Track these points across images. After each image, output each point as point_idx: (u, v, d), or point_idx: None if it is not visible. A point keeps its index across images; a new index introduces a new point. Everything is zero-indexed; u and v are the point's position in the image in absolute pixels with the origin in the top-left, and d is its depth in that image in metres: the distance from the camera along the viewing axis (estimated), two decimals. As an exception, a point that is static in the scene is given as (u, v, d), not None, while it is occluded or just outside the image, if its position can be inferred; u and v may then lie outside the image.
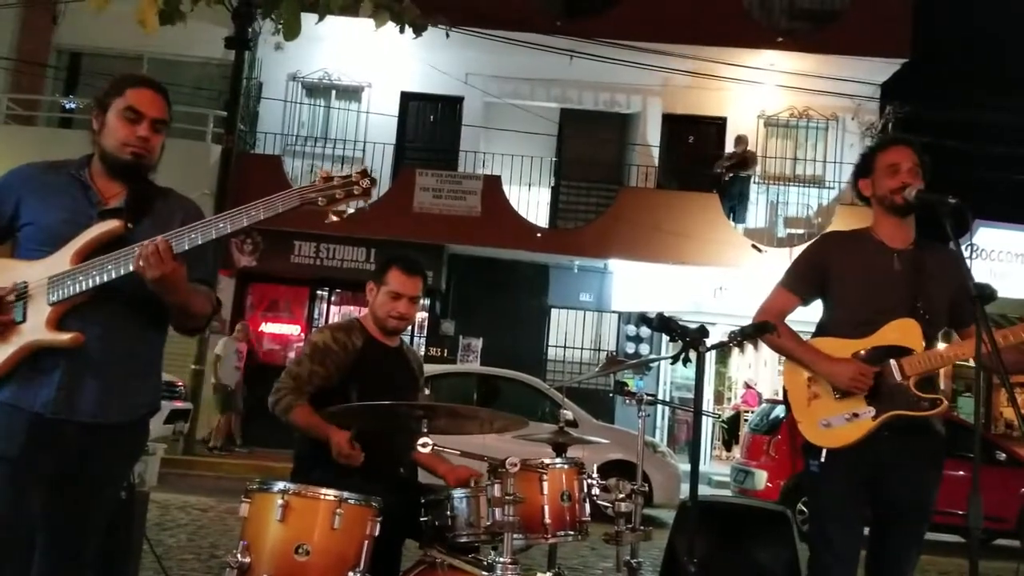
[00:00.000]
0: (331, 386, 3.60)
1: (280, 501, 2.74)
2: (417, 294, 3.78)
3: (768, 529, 4.80)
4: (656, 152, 17.12)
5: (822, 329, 3.47)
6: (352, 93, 17.31)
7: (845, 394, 3.26)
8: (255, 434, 13.98)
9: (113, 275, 2.62)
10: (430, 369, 9.99)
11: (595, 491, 3.50)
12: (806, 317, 3.54)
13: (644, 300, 15.56)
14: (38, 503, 2.65)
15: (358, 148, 16.31)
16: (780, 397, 12.79)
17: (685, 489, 5.54)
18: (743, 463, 11.79)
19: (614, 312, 16.93)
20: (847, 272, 3.40)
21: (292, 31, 9.18)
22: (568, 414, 5.62)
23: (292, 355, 15.31)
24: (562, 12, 16.15)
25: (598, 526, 3.54)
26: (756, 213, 16.50)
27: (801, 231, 16.15)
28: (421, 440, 2.90)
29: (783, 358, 3.54)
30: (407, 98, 17.35)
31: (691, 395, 13.18)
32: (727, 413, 19.44)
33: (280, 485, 2.81)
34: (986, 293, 2.85)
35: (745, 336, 3.18)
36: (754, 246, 15.22)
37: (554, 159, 17.15)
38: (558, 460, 3.42)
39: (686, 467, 10.64)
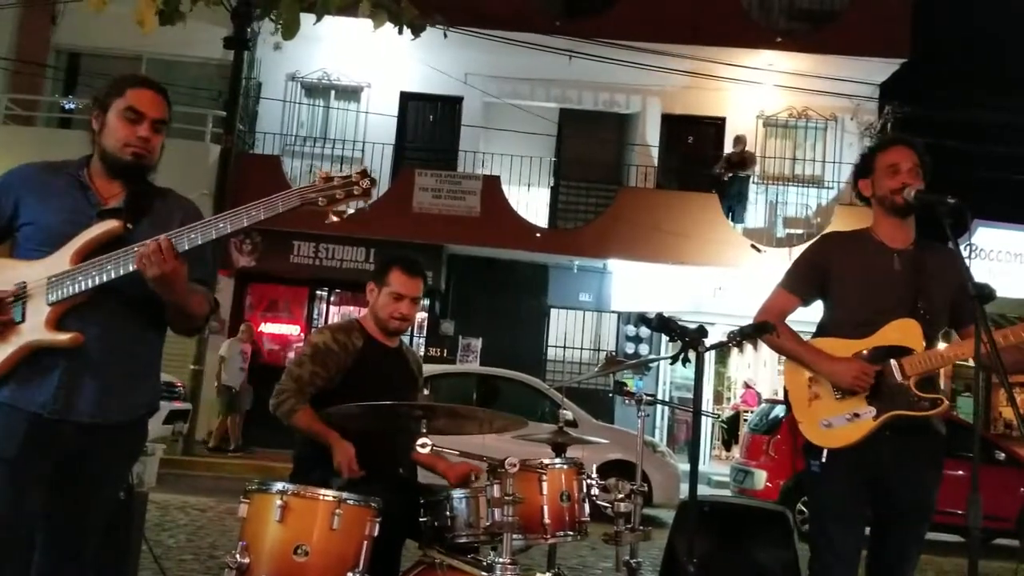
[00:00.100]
0: (331, 387, 3.60)
1: (279, 502, 2.74)
2: (418, 295, 3.78)
3: (767, 529, 4.80)
4: (655, 152, 17.12)
5: (822, 329, 3.47)
6: (351, 93, 17.31)
7: (846, 394, 3.26)
8: (257, 435, 13.96)
9: (112, 275, 2.62)
10: (429, 369, 9.99)
11: (594, 491, 3.50)
12: (806, 317, 3.54)
13: (643, 300, 15.57)
14: (38, 503, 2.65)
15: (357, 148, 16.31)
16: (779, 397, 12.82)
17: (684, 489, 5.54)
18: (742, 463, 11.79)
19: (613, 312, 16.94)
20: (847, 272, 3.40)
21: (290, 31, 9.20)
22: (567, 414, 5.62)
23: (291, 355, 15.42)
24: (561, 12, 16.16)
25: (597, 526, 3.54)
26: (755, 213, 16.52)
27: (800, 231, 16.16)
28: (420, 440, 2.90)
29: (783, 358, 3.54)
30: (406, 98, 17.35)
31: (691, 395, 13.17)
32: (727, 413, 19.45)
33: (279, 486, 2.81)
34: (985, 293, 2.84)
35: (744, 336, 3.18)
36: (753, 246, 15.23)
37: (553, 159, 17.15)
38: (557, 460, 3.42)
39: (685, 467, 10.64)
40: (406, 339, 4.11)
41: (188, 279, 2.70)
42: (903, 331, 3.26)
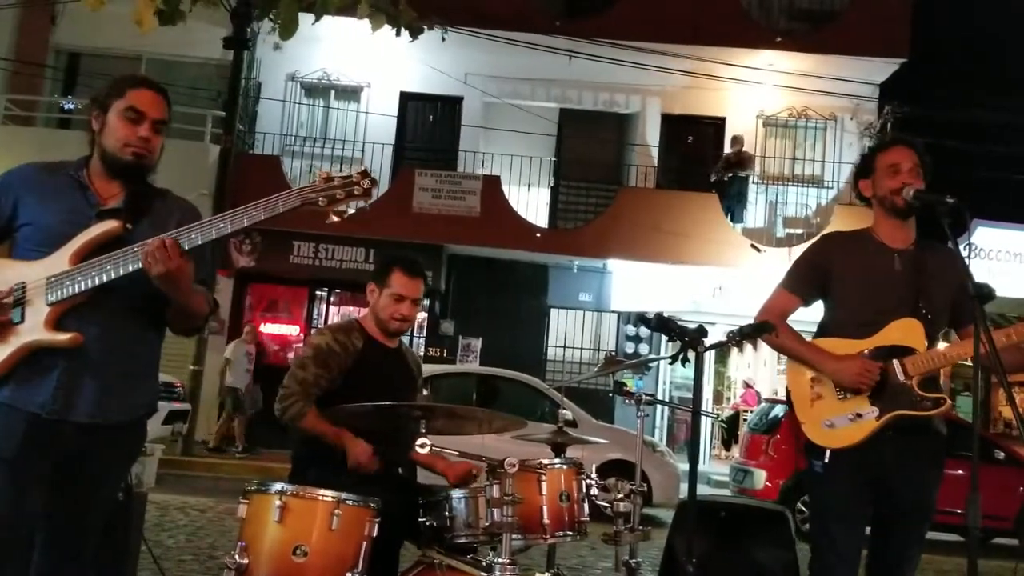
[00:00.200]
0: (333, 388, 3.60)
1: (278, 502, 2.74)
2: (419, 296, 3.77)
3: (767, 529, 4.80)
4: (655, 152, 17.13)
5: (823, 329, 3.46)
6: (351, 93, 17.30)
7: (849, 394, 3.26)
8: (263, 436, 13.96)
9: (112, 275, 2.62)
10: (429, 369, 9.99)
11: (594, 491, 3.50)
12: (807, 317, 3.54)
13: (643, 300, 15.57)
14: (37, 503, 2.65)
15: (357, 148, 16.31)
16: (779, 396, 12.82)
17: (684, 489, 5.55)
18: (742, 463, 11.80)
19: (613, 312, 16.94)
20: (848, 273, 3.40)
21: (288, 31, 9.20)
22: (567, 414, 5.63)
23: (292, 356, 15.42)
24: (561, 12, 16.15)
25: (597, 526, 3.54)
26: (755, 213, 16.52)
27: (800, 231, 16.16)
28: (419, 440, 2.90)
29: (784, 358, 3.53)
30: (406, 98, 17.35)
31: (690, 395, 13.18)
32: (726, 413, 19.46)
33: (278, 486, 2.81)
34: (984, 292, 2.84)
35: (744, 336, 3.18)
36: (753, 246, 15.23)
37: (553, 159, 17.15)
38: (557, 460, 3.42)
39: (685, 467, 10.63)
40: (406, 339, 4.11)
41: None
42: (905, 331, 3.26)
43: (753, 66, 15.82)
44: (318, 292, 16.44)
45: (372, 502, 2.87)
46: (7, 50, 16.79)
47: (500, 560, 2.91)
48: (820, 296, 3.49)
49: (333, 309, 16.40)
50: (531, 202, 16.14)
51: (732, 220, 15.88)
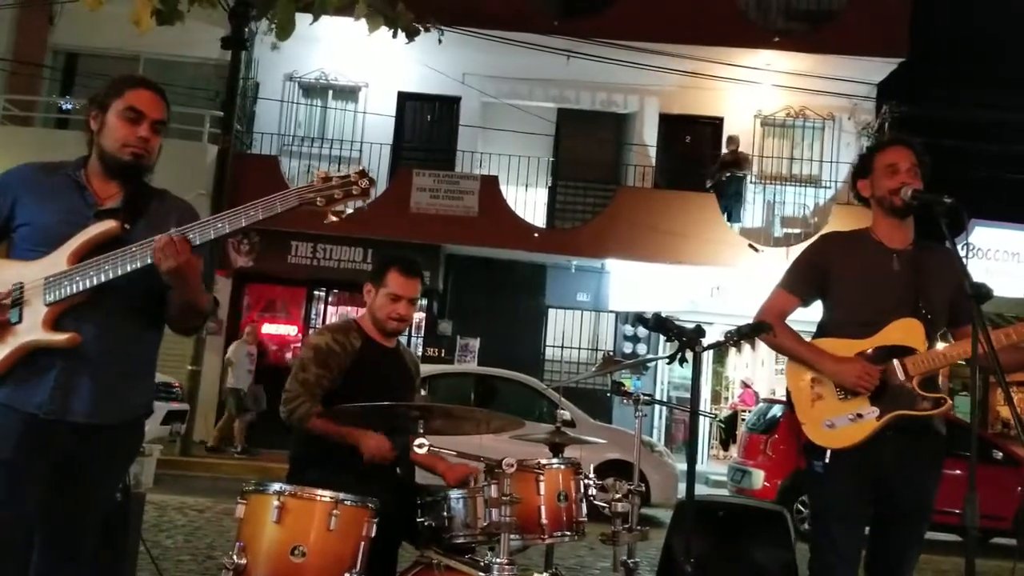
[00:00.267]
0: (333, 388, 3.60)
1: (276, 502, 2.74)
2: (416, 295, 3.77)
3: (765, 528, 4.80)
4: (653, 152, 17.12)
5: (822, 329, 3.47)
6: (349, 93, 17.30)
7: (849, 394, 3.26)
8: (264, 436, 13.98)
9: (110, 275, 2.63)
10: (427, 369, 9.99)
11: (592, 491, 3.50)
12: (806, 317, 3.54)
13: (641, 300, 15.57)
14: (35, 504, 2.65)
15: (355, 148, 16.29)
16: (777, 396, 12.82)
17: (682, 489, 5.55)
18: (740, 462, 11.80)
19: (611, 312, 16.94)
20: (846, 273, 3.40)
21: (285, 31, 9.21)
22: (565, 414, 5.64)
23: (290, 357, 15.43)
24: (559, 12, 16.13)
25: (595, 526, 3.53)
26: (753, 213, 16.52)
27: (798, 231, 16.17)
28: (417, 441, 2.90)
29: (783, 358, 3.53)
30: (404, 98, 17.34)
31: (688, 395, 13.19)
32: (724, 412, 19.46)
33: (276, 486, 2.81)
34: (982, 292, 2.84)
35: (742, 336, 3.18)
36: (751, 246, 15.23)
37: (551, 159, 17.15)
38: (555, 460, 3.41)
39: (683, 466, 10.64)
40: (403, 339, 4.11)
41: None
42: (905, 331, 3.26)
43: (751, 66, 15.82)
44: (316, 292, 16.43)
45: (370, 502, 2.87)
46: (5, 50, 16.78)
47: (498, 560, 2.91)
48: (819, 296, 3.49)
49: (331, 309, 16.39)
50: (529, 202, 16.14)
51: (729, 220, 15.88)
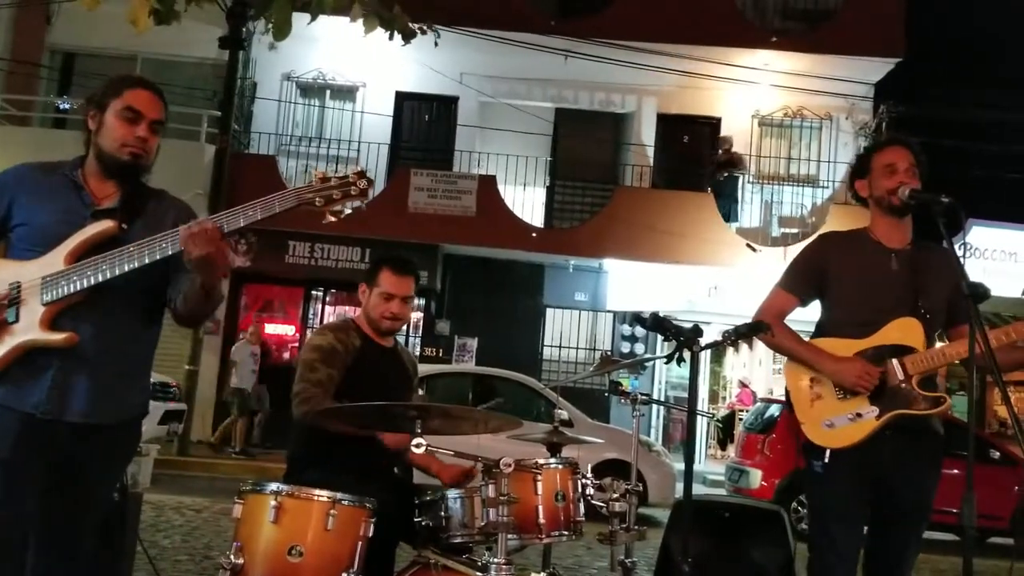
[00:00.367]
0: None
1: (273, 502, 2.74)
2: (409, 294, 3.78)
3: (763, 528, 4.81)
4: (651, 152, 17.12)
5: (821, 329, 3.47)
6: (347, 93, 17.29)
7: (848, 394, 3.26)
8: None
9: (108, 275, 2.62)
10: (425, 369, 9.99)
11: (590, 491, 3.49)
12: (805, 317, 3.55)
13: (639, 299, 15.57)
14: (33, 504, 2.64)
15: (353, 148, 16.27)
16: (774, 396, 12.82)
17: (680, 488, 5.56)
18: (738, 462, 11.80)
19: (609, 312, 16.94)
20: (845, 272, 3.40)
21: (282, 31, 9.19)
22: (563, 414, 5.63)
23: (289, 357, 15.41)
24: (557, 12, 16.14)
25: (593, 526, 3.53)
26: (750, 212, 16.54)
27: (795, 230, 16.18)
28: (415, 440, 2.89)
29: (781, 357, 3.54)
30: (402, 98, 17.33)
31: (686, 394, 13.20)
32: (722, 412, 19.47)
33: (273, 486, 2.81)
34: (979, 292, 2.84)
35: (739, 335, 3.18)
36: (749, 245, 15.24)
37: (549, 159, 17.15)
38: (552, 460, 3.41)
39: (681, 466, 10.64)
40: (401, 339, 4.11)
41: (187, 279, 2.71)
42: (904, 330, 3.26)
43: (749, 66, 15.83)
44: (314, 292, 16.42)
45: (368, 502, 2.87)
46: (2, 50, 16.77)
47: (496, 560, 2.90)
48: (817, 296, 3.49)
49: (329, 309, 16.39)
50: (527, 202, 16.13)
51: (727, 220, 15.88)
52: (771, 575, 4.66)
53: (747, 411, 15.51)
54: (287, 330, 16.25)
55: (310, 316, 16.26)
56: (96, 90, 2.84)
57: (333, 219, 2.65)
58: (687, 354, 3.08)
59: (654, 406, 16.21)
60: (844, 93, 16.23)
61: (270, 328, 16.23)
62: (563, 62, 15.64)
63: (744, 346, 19.17)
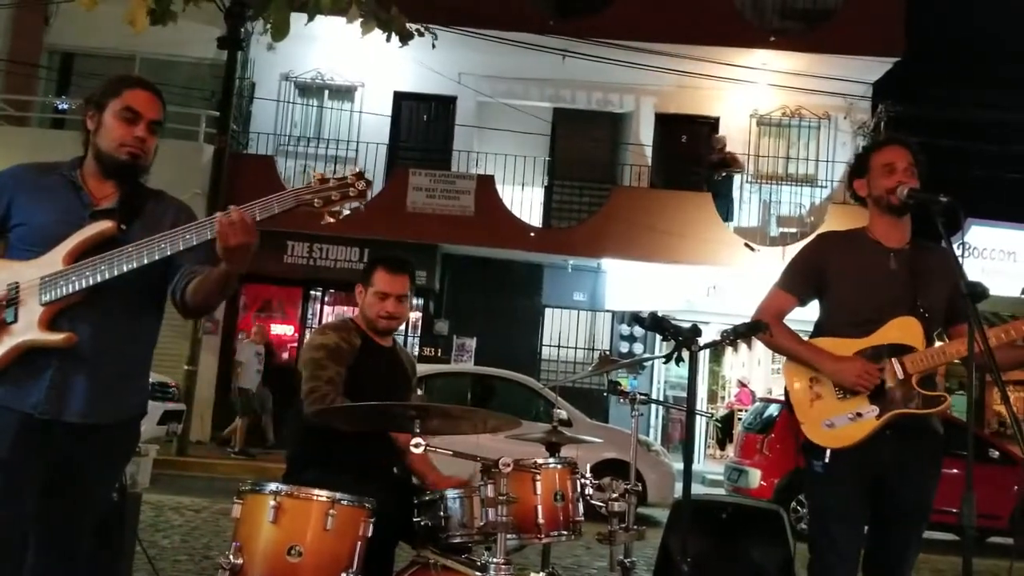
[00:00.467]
0: None
1: (272, 502, 2.74)
2: (404, 292, 3.77)
3: (762, 528, 4.81)
4: (649, 151, 17.13)
5: (820, 329, 3.46)
6: (345, 93, 17.29)
7: (848, 394, 3.26)
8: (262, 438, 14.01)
9: (107, 275, 2.62)
10: (424, 369, 9.99)
11: (589, 490, 3.49)
12: (804, 316, 3.55)
13: (638, 299, 15.56)
14: (31, 504, 2.64)
15: (351, 148, 16.28)
16: (773, 396, 12.81)
17: (679, 488, 5.55)
18: (737, 462, 11.80)
19: (608, 311, 16.95)
20: (844, 272, 3.40)
21: (280, 32, 9.21)
22: (562, 413, 5.62)
23: (287, 357, 15.41)
24: (555, 12, 16.14)
25: (592, 525, 3.53)
26: (749, 212, 16.55)
27: (794, 230, 16.18)
28: (414, 440, 2.89)
29: (780, 357, 3.53)
30: (400, 98, 17.34)
31: (685, 394, 13.20)
32: (721, 412, 19.48)
33: (272, 486, 2.80)
34: (978, 291, 2.84)
35: (738, 335, 3.18)
36: (747, 245, 15.25)
37: (547, 158, 17.16)
38: (551, 460, 3.40)
39: (680, 466, 10.65)
40: (400, 339, 4.11)
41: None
42: (904, 329, 3.26)
43: (747, 65, 15.83)
44: (312, 292, 16.42)
45: (367, 502, 2.87)
46: (1, 50, 16.76)
47: (495, 560, 2.90)
48: (816, 295, 3.49)
49: (327, 309, 16.39)
50: (525, 201, 16.14)
51: (725, 219, 15.88)
52: (770, 575, 4.66)
53: (746, 411, 15.52)
54: (286, 330, 16.26)
55: (309, 316, 16.27)
56: (95, 90, 2.84)
57: (332, 220, 2.64)
58: (686, 354, 3.08)
59: (653, 406, 16.22)
60: (843, 93, 16.24)
61: (269, 328, 16.22)
62: (561, 62, 15.64)
63: (743, 346, 19.18)
